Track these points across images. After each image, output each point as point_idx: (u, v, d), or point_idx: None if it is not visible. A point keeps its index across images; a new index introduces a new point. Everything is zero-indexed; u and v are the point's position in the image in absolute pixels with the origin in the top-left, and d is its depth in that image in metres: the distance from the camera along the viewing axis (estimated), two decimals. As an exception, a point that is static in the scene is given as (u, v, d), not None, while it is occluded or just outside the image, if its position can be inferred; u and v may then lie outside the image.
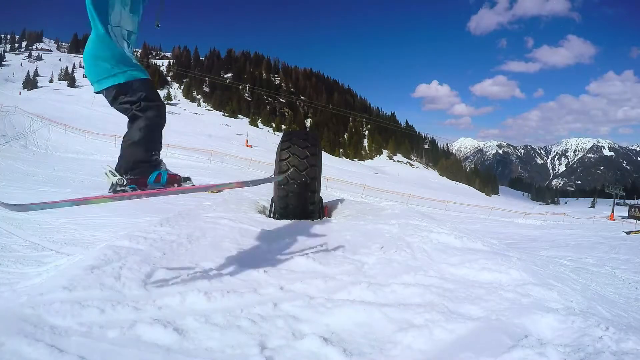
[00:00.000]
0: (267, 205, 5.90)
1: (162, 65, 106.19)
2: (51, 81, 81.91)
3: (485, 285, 2.74)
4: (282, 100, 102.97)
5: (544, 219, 29.14)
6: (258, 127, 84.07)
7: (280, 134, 9.05)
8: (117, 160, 2.49)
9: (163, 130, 2.42)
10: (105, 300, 2.09)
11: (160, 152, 2.47)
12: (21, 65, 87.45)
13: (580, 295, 2.91)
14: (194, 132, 45.50)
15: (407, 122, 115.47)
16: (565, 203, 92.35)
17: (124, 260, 2.69)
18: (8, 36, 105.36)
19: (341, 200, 6.96)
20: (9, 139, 22.48)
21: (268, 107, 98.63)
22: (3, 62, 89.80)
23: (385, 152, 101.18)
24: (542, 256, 8.60)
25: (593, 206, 77.73)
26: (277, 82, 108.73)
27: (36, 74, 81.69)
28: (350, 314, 2.15)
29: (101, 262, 2.60)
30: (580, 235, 18.36)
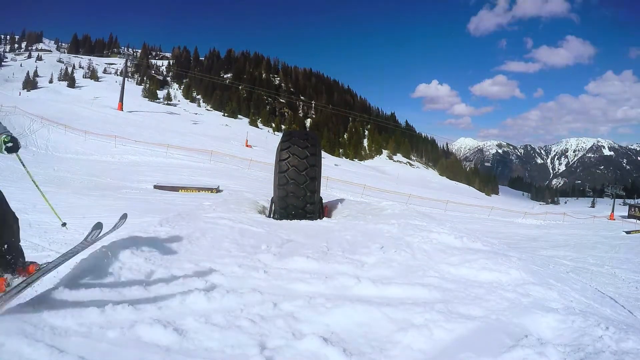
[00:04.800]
0: (267, 205, 5.90)
1: (162, 65, 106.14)
2: (51, 81, 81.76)
3: (485, 285, 2.74)
4: (282, 100, 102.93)
5: (544, 218, 29.14)
6: (258, 128, 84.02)
7: (280, 134, 9.04)
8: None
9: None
10: (105, 300, 2.09)
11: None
12: (21, 65, 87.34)
13: (580, 295, 2.90)
14: (193, 132, 45.46)
15: (407, 122, 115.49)
16: (565, 203, 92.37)
17: (124, 261, 2.69)
18: (8, 36, 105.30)
19: (341, 200, 6.96)
20: (9, 139, 22.45)
21: (268, 107, 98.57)
22: (3, 62, 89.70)
23: (385, 152, 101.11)
24: (542, 256, 8.59)
25: (593, 206, 77.68)
26: (277, 82, 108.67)
27: (36, 74, 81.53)
28: (350, 314, 2.15)
29: (101, 262, 2.60)
30: (580, 235, 18.36)
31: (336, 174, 28.91)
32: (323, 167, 5.78)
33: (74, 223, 6.36)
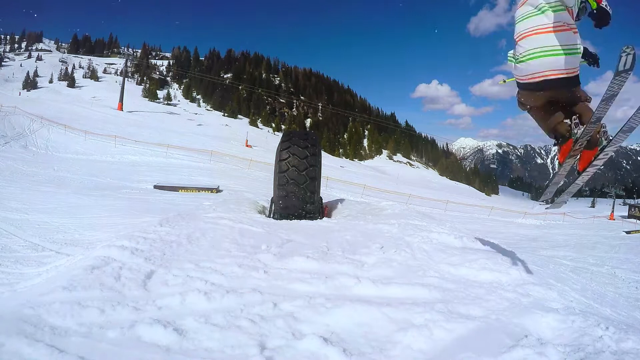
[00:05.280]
0: (267, 205, 5.90)
1: (162, 65, 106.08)
2: (51, 81, 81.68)
3: (485, 285, 2.74)
4: (282, 100, 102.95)
5: (544, 218, 29.12)
6: (258, 128, 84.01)
7: (280, 134, 9.04)
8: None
9: None
10: (105, 300, 2.09)
11: None
12: (21, 65, 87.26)
13: (580, 295, 2.91)
14: (194, 132, 45.46)
15: (407, 122, 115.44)
16: (565, 203, 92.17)
17: (124, 261, 2.69)
18: (8, 36, 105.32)
19: (341, 200, 6.97)
20: (9, 139, 22.46)
21: (268, 107, 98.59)
22: (3, 62, 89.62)
23: (385, 152, 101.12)
24: (542, 256, 8.60)
25: (593, 206, 77.74)
26: (277, 82, 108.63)
27: (36, 74, 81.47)
28: (350, 314, 2.15)
29: (101, 262, 2.60)
30: (580, 235, 18.35)
31: (336, 173, 28.90)
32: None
33: (74, 223, 6.36)
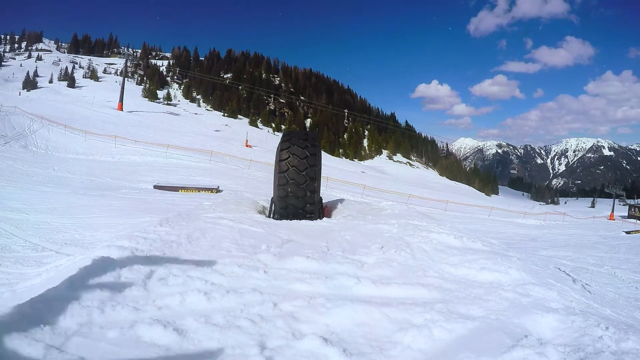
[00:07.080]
0: (267, 205, 5.90)
1: (162, 65, 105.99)
2: (51, 81, 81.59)
3: (485, 285, 2.74)
4: (282, 100, 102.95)
5: (544, 218, 29.12)
6: (258, 128, 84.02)
7: (280, 134, 9.04)
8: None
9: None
10: (105, 300, 2.09)
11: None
12: (21, 65, 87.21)
13: (580, 295, 2.90)
14: (194, 132, 45.46)
15: (407, 122, 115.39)
16: (565, 203, 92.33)
17: (124, 261, 2.69)
18: (8, 36, 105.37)
19: (341, 200, 6.97)
20: (9, 139, 22.46)
21: (268, 107, 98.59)
22: (3, 62, 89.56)
23: (385, 152, 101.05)
24: (542, 256, 8.59)
25: (593, 206, 77.90)
26: (277, 82, 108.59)
27: (36, 74, 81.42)
28: (350, 314, 2.15)
29: (101, 262, 2.60)
30: (580, 235, 18.36)
31: (335, 173, 28.90)
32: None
33: (74, 223, 6.36)
